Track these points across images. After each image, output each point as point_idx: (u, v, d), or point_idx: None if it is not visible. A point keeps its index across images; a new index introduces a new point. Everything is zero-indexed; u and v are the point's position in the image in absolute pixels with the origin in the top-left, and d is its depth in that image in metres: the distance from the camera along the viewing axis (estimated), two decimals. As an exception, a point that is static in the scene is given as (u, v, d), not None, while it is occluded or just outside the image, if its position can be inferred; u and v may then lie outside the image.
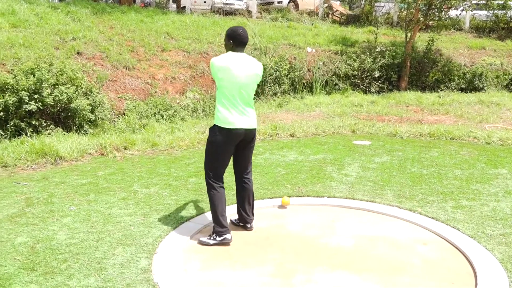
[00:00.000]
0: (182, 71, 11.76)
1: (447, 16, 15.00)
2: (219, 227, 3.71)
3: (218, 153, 3.68)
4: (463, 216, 4.31)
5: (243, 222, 4.06)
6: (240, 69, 3.59)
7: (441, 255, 3.58)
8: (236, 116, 3.60)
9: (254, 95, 3.86)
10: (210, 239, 3.74)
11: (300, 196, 4.92)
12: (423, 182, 5.36)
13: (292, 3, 21.53)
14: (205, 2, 20.53)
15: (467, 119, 9.56)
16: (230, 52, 3.67)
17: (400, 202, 4.70)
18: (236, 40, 3.66)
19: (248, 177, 3.96)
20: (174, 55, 12.33)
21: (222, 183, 3.79)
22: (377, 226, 4.17)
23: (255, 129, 3.80)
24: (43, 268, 3.29)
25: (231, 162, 3.86)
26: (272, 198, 4.87)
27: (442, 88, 13.96)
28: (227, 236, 3.73)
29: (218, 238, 3.72)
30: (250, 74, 3.65)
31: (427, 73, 14.43)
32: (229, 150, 3.70)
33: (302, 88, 13.19)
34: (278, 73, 12.62)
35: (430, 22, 16.01)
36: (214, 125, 3.65)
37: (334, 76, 13.84)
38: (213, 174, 3.73)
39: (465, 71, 14.41)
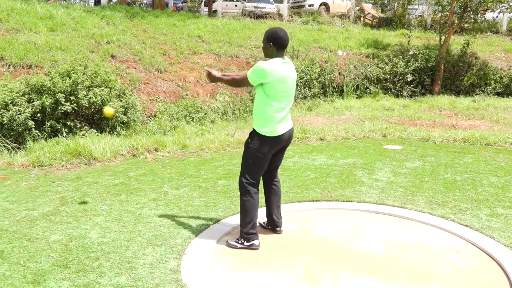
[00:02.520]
0: (212, 74, 11.86)
1: (483, 19, 14.58)
2: (247, 234, 3.72)
3: (257, 158, 3.65)
4: (499, 224, 4.18)
5: (272, 225, 4.06)
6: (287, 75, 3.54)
7: (474, 264, 3.49)
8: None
9: None
10: (238, 242, 3.75)
11: (329, 201, 4.89)
12: (456, 189, 5.23)
13: (324, 6, 21.42)
14: (236, 5, 20.66)
15: (504, 125, 9.27)
16: (279, 59, 3.52)
17: (432, 208, 4.60)
18: (276, 43, 3.50)
19: (277, 179, 3.98)
20: (205, 58, 12.46)
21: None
22: (407, 232, 4.09)
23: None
24: (75, 265, 3.38)
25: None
26: (301, 201, 4.85)
27: (478, 93, 13.58)
28: (255, 242, 3.73)
29: (246, 243, 3.72)
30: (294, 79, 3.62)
31: (462, 77, 14.07)
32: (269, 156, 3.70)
33: (333, 92, 13.09)
34: (308, 76, 12.57)
35: (465, 25, 15.62)
36: (258, 133, 3.61)
37: (365, 80, 13.68)
38: (249, 180, 3.71)
39: (502, 75, 13.98)
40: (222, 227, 4.16)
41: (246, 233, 3.70)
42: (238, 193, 5.05)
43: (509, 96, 13.22)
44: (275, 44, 3.50)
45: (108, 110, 4.50)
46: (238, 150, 7.29)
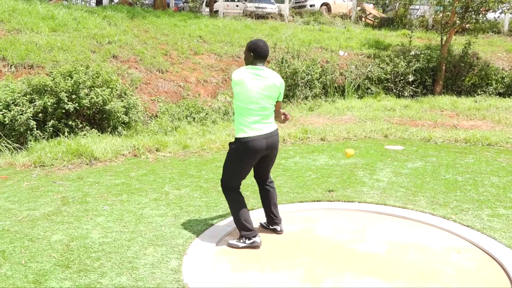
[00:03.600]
0: (214, 74, 11.87)
1: (484, 19, 14.57)
2: (246, 231, 3.75)
3: (237, 163, 3.75)
4: (500, 224, 4.17)
5: (272, 223, 4.07)
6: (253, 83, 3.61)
7: (475, 265, 3.48)
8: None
9: (285, 98, 3.88)
10: (239, 242, 3.75)
11: (330, 201, 4.88)
12: (457, 189, 5.23)
13: (325, 7, 21.42)
14: (237, 6, 20.67)
15: (505, 125, 9.26)
16: (246, 67, 3.68)
17: (434, 209, 4.60)
18: (256, 53, 3.63)
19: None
20: (207, 59, 12.46)
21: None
22: (409, 232, 4.09)
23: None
24: (77, 265, 3.38)
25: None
26: (302, 202, 4.84)
27: (479, 93, 13.56)
28: (257, 239, 3.74)
29: (247, 242, 3.73)
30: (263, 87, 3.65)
31: (463, 77, 14.06)
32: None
33: (334, 92, 13.08)
34: (309, 76, 12.56)
35: (467, 25, 15.60)
36: (236, 137, 3.71)
37: (366, 80, 13.67)
38: (229, 182, 3.83)
39: (504, 75, 13.96)
40: (223, 227, 4.16)
41: (245, 232, 3.73)
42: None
43: (511, 97, 13.20)
44: (255, 54, 3.64)
45: (350, 152, 4.80)
46: (239, 150, 7.29)
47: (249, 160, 3.65)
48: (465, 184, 5.43)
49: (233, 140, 3.81)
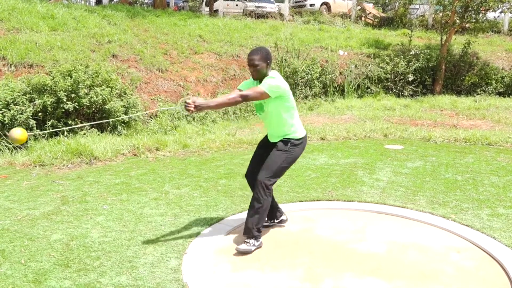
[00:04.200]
0: (213, 74, 11.86)
1: (484, 19, 14.57)
2: (259, 232, 3.73)
3: (291, 162, 3.80)
4: (500, 224, 4.17)
5: (274, 216, 4.13)
6: None
7: (475, 264, 3.48)
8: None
9: None
10: (251, 245, 3.68)
11: (330, 200, 4.88)
12: (457, 189, 5.23)
13: (325, 6, 21.42)
14: (237, 5, 20.66)
15: (505, 125, 9.26)
16: (277, 72, 3.75)
17: (433, 208, 4.60)
18: (271, 61, 3.75)
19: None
20: (206, 58, 12.46)
21: None
22: (409, 232, 4.09)
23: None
24: (76, 265, 3.38)
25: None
26: (302, 201, 4.85)
27: (479, 92, 13.56)
28: (260, 239, 3.77)
29: (257, 243, 3.70)
30: None
31: (463, 77, 14.06)
32: None
33: (334, 91, 13.08)
34: (309, 76, 12.56)
35: (467, 25, 15.60)
36: (293, 139, 3.76)
37: (366, 80, 13.67)
38: (274, 181, 3.75)
39: (503, 75, 13.96)
40: (223, 226, 4.16)
41: (258, 233, 3.71)
42: (239, 192, 5.07)
43: (511, 96, 13.20)
44: (271, 62, 3.73)
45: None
46: (239, 150, 7.29)
47: None
48: (465, 183, 5.43)
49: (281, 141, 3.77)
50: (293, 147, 3.74)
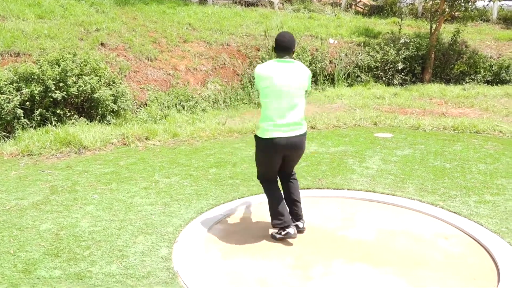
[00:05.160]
0: (203, 62, 11.79)
1: (473, 7, 14.59)
2: (278, 220, 3.71)
3: (260, 163, 3.76)
4: (487, 211, 4.23)
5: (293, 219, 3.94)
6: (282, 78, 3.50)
7: (463, 250, 3.53)
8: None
9: None
10: (276, 233, 3.70)
11: (320, 188, 4.91)
12: (445, 176, 5.28)
13: (315, -6, 21.28)
14: (227, -7, 20.45)
15: (493, 113, 9.34)
16: (272, 60, 3.58)
17: (422, 196, 4.64)
18: (275, 45, 3.59)
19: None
20: (196, 46, 12.36)
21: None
22: (398, 219, 4.13)
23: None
24: (66, 254, 3.37)
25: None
26: (292, 189, 4.86)
27: (467, 81, 13.63)
28: (290, 230, 3.63)
29: (283, 233, 3.66)
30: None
31: (452, 65, 14.12)
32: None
33: (324, 80, 13.07)
34: (299, 64, 12.53)
35: (456, 13, 15.63)
36: (256, 136, 3.65)
37: (356, 68, 13.67)
38: (262, 177, 3.82)
39: (492, 63, 14.03)
40: (213, 215, 4.17)
41: (277, 220, 3.66)
42: (229, 181, 5.09)
43: (498, 84, 13.29)
44: (276, 47, 3.59)
45: None
46: (229, 139, 7.29)
47: (268, 159, 3.79)
48: (453, 171, 5.48)
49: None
50: (256, 145, 3.64)
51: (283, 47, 3.55)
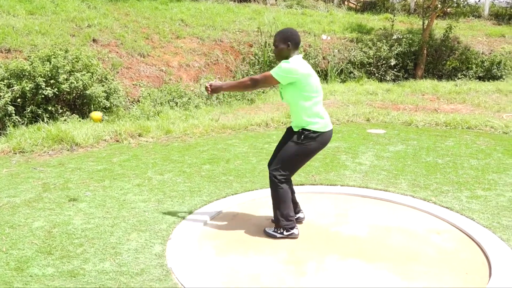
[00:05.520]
0: (196, 59, 11.75)
1: (465, 3, 14.68)
2: (287, 221, 3.68)
3: (306, 157, 3.64)
4: (479, 206, 4.26)
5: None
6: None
7: (455, 245, 3.56)
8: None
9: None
10: (276, 232, 3.68)
11: (313, 184, 4.92)
12: (438, 172, 5.32)
13: (308, -10, 21.25)
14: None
15: (484, 108, 9.40)
16: (299, 56, 3.53)
17: (415, 191, 4.67)
18: (295, 43, 3.50)
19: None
20: (189, 43, 12.32)
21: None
22: (390, 215, 4.15)
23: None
24: (59, 252, 3.36)
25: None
26: (286, 186, 4.86)
27: (459, 77, 13.70)
28: (295, 231, 3.66)
29: (285, 233, 3.65)
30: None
31: (444, 61, 14.18)
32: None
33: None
34: (292, 60, 12.53)
35: (448, 9, 15.70)
36: (308, 131, 3.52)
37: (349, 64, 13.70)
38: (285, 174, 3.59)
39: (483, 59, 14.12)
40: (207, 212, 4.16)
41: (287, 221, 3.63)
42: (223, 177, 5.09)
43: (490, 80, 13.37)
44: (293, 43, 3.50)
45: (95, 115, 4.34)
46: (222, 135, 7.28)
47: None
48: (445, 166, 5.52)
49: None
50: (307, 140, 3.50)
51: (298, 43, 3.55)
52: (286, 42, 3.47)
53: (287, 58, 3.50)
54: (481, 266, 3.24)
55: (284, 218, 3.63)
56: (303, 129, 3.51)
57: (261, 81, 3.50)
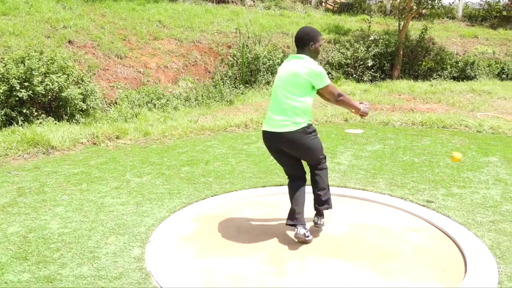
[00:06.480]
0: (174, 60, 11.68)
1: (440, 5, 14.97)
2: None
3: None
4: (454, 203, 4.35)
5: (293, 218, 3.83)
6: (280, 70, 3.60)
7: (431, 243, 3.62)
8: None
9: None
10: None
11: (292, 185, 4.93)
12: (414, 170, 5.40)
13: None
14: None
15: (459, 108, 9.60)
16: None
17: (392, 190, 4.74)
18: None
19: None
20: (167, 44, 12.24)
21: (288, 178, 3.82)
22: (369, 214, 4.20)
23: (283, 132, 3.51)
24: (35, 257, 3.29)
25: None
26: (265, 186, 4.88)
27: (435, 77, 13.98)
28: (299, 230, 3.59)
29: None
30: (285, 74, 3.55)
31: (420, 62, 14.44)
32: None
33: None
34: (271, 62, 12.58)
35: (423, 11, 15.98)
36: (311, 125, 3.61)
37: (327, 65, 13.82)
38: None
39: (458, 60, 14.43)
40: (186, 213, 4.14)
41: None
42: (202, 179, 5.07)
43: (464, 80, 13.67)
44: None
45: (456, 156, 4.32)
46: (201, 137, 7.25)
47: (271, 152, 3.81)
48: (422, 165, 5.61)
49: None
50: (315, 131, 3.72)
51: (295, 42, 3.62)
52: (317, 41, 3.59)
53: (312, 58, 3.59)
54: (457, 263, 3.31)
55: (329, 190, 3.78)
56: (306, 126, 3.53)
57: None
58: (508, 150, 6.25)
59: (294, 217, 3.59)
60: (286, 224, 3.64)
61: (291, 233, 3.78)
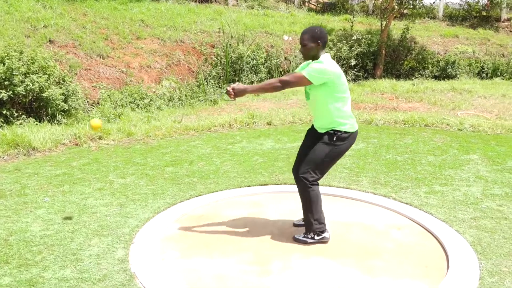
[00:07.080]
0: (157, 60, 11.60)
1: (421, 5, 15.14)
2: (319, 224, 3.60)
3: (336, 158, 3.55)
4: (436, 201, 4.41)
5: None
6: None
7: (414, 240, 3.67)
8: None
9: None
10: (308, 238, 3.60)
11: (277, 184, 4.95)
12: (397, 169, 5.46)
13: (268, -9, 21.37)
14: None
15: (440, 107, 9.73)
16: (328, 56, 3.45)
17: (375, 188, 4.78)
18: (325, 42, 3.44)
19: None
20: (149, 43, 12.15)
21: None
22: (352, 212, 4.23)
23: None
24: (17, 260, 3.24)
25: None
26: (250, 186, 4.88)
27: (416, 76, 14.14)
28: (326, 234, 3.61)
29: (316, 237, 3.59)
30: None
31: (402, 61, 14.59)
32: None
33: (279, 77, 13.19)
34: (255, 61, 12.58)
35: (405, 11, 16.15)
36: (340, 132, 3.43)
37: (310, 64, 13.86)
38: (316, 177, 3.53)
39: (439, 59, 14.63)
40: (170, 214, 4.12)
41: (319, 224, 3.57)
42: (186, 179, 5.04)
43: (445, 79, 13.86)
44: (323, 42, 3.43)
45: (94, 123, 4.01)
46: (185, 137, 7.22)
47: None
48: (404, 163, 5.68)
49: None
50: (340, 141, 3.44)
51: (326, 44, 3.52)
52: (316, 41, 3.39)
53: (314, 57, 3.44)
54: (439, 259, 3.35)
55: (317, 221, 3.56)
56: (334, 130, 3.43)
57: (292, 83, 3.38)
58: (488, 147, 6.36)
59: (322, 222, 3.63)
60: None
61: (275, 233, 3.79)
